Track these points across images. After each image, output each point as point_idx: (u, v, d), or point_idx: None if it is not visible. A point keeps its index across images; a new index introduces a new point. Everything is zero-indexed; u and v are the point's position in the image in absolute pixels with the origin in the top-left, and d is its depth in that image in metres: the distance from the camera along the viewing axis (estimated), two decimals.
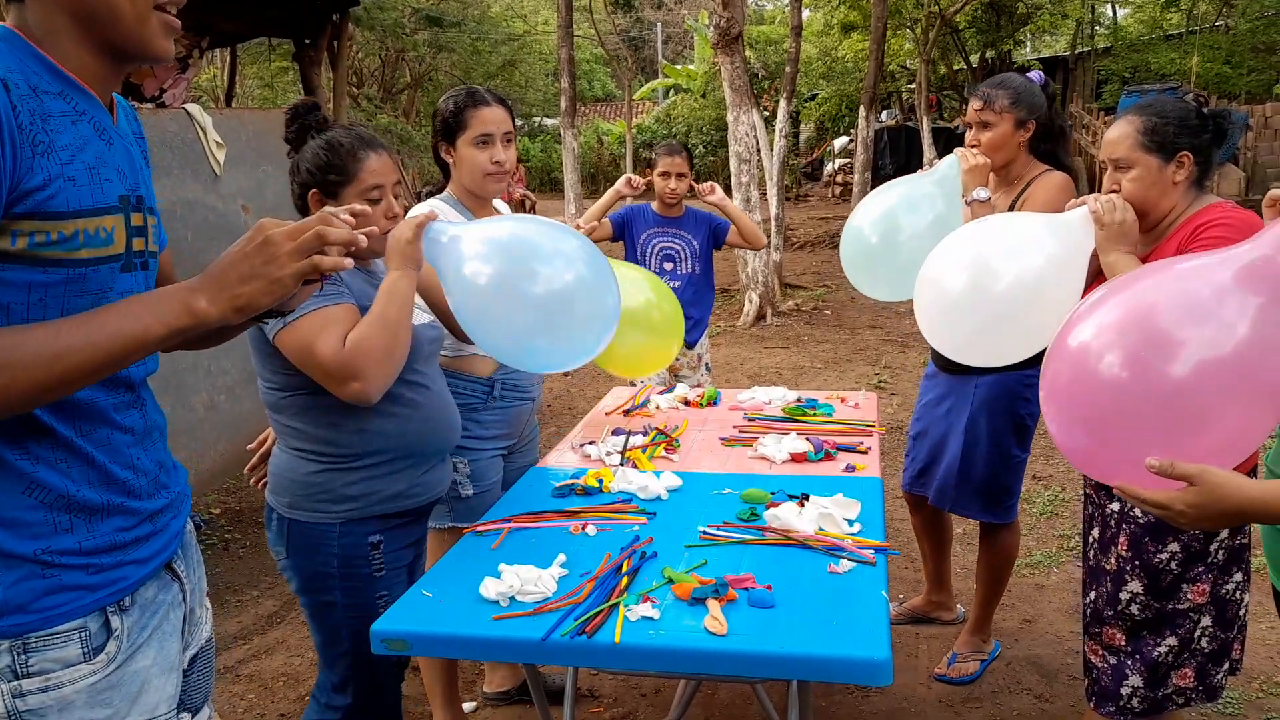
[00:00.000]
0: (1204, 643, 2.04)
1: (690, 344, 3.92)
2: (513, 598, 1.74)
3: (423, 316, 2.10)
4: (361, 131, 1.98)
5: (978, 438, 2.81)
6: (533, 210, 17.21)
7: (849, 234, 2.62)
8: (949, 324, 2.12)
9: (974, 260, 2.05)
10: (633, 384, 3.79)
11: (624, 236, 3.87)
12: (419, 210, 2.21)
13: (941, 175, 2.56)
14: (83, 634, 1.18)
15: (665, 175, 3.76)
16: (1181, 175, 2.02)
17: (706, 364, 4.01)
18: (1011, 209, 2.66)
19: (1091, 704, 2.16)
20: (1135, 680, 2.06)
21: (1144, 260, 1.99)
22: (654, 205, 3.89)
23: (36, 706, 1.16)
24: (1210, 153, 2.04)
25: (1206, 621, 2.03)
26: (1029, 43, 20.52)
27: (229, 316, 1.13)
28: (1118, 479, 1.48)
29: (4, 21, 1.16)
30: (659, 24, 28.78)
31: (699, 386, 3.50)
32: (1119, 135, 2.06)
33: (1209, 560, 1.99)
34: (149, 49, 1.18)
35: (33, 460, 1.15)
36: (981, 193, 2.56)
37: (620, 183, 3.76)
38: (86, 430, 1.20)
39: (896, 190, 2.62)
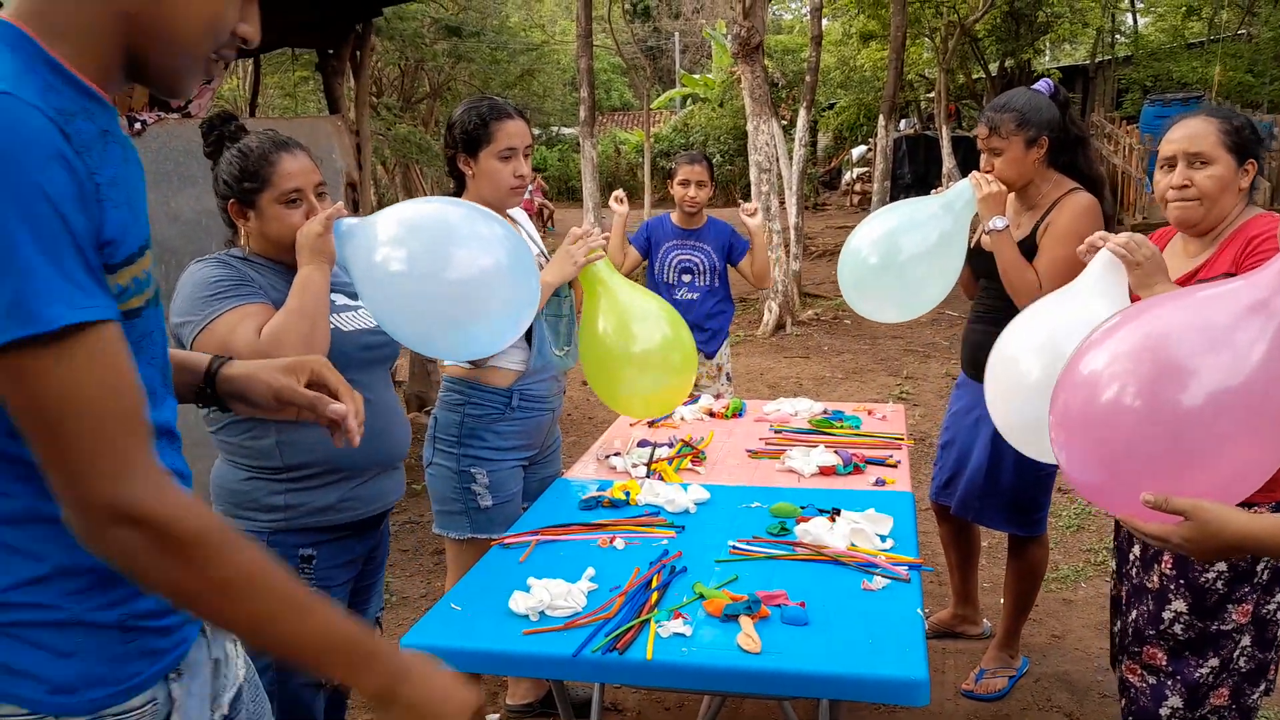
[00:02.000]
0: (1241, 662, 2.00)
1: (709, 354, 3.90)
2: (542, 612, 1.72)
3: (363, 322, 2.06)
4: (275, 134, 1.95)
5: (1003, 448, 2.76)
6: (550, 219, 17.23)
7: (846, 256, 2.54)
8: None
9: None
10: None
11: (646, 251, 3.87)
12: None
13: (949, 200, 2.47)
14: (154, 706, 1.08)
15: (685, 184, 3.74)
16: (1246, 181, 2.02)
17: (728, 374, 3.99)
18: (1034, 233, 2.61)
19: None
20: (1175, 701, 2.02)
21: (1194, 275, 1.99)
22: (673, 216, 3.87)
23: None
24: (1263, 166, 2.06)
25: (1246, 641, 1.99)
26: (1049, 51, 20.41)
27: (374, 699, 1.06)
28: (1122, 511, 1.49)
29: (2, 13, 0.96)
30: (676, 33, 28.81)
31: (720, 397, 3.48)
32: (1201, 130, 2.02)
33: (1254, 580, 1.95)
34: (178, 86, 1.05)
35: None
36: (998, 222, 2.52)
37: (612, 203, 3.74)
38: None
39: (900, 211, 2.54)
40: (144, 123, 3.91)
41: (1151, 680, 2.05)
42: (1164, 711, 2.03)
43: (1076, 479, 1.56)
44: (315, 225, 1.87)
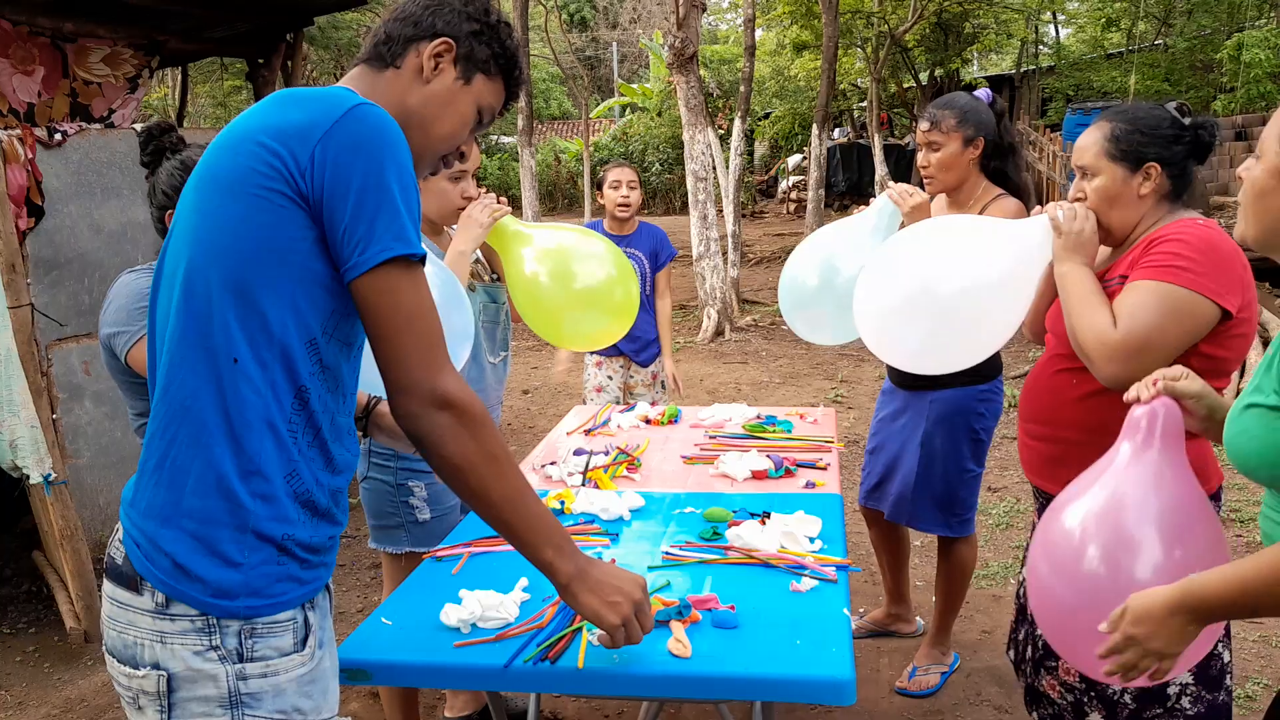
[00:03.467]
0: (1185, 703, 1.89)
1: (644, 364, 3.92)
2: (474, 624, 1.72)
3: None
4: None
5: (933, 452, 2.84)
6: None
7: (784, 285, 2.61)
8: (893, 329, 2.10)
9: (924, 263, 2.01)
10: (598, 399, 3.79)
11: None
12: None
13: (874, 225, 2.53)
14: (294, 625, 1.28)
15: (616, 185, 3.75)
16: (1148, 188, 1.90)
17: (663, 381, 4.01)
18: None
19: None
20: (1095, 717, 1.99)
21: (1101, 276, 1.94)
22: (605, 223, 3.87)
23: (256, 690, 1.24)
24: (1186, 165, 1.92)
25: (1187, 678, 1.89)
26: (976, 61, 20.92)
27: (564, 585, 1.39)
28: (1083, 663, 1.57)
29: (343, 82, 1.40)
30: (614, 43, 28.91)
31: (655, 404, 3.50)
32: (1087, 141, 1.95)
33: None
34: (417, 167, 1.39)
35: (300, 449, 1.27)
36: None
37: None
38: (333, 438, 1.32)
39: (828, 238, 2.60)
40: (64, 133, 3.81)
41: (1070, 698, 2.03)
42: None
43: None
44: None
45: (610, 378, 4.01)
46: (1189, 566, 1.39)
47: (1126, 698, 1.93)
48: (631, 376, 4.00)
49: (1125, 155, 1.91)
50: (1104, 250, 2.05)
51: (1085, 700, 2.00)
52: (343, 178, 1.18)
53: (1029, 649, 2.16)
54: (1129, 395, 1.60)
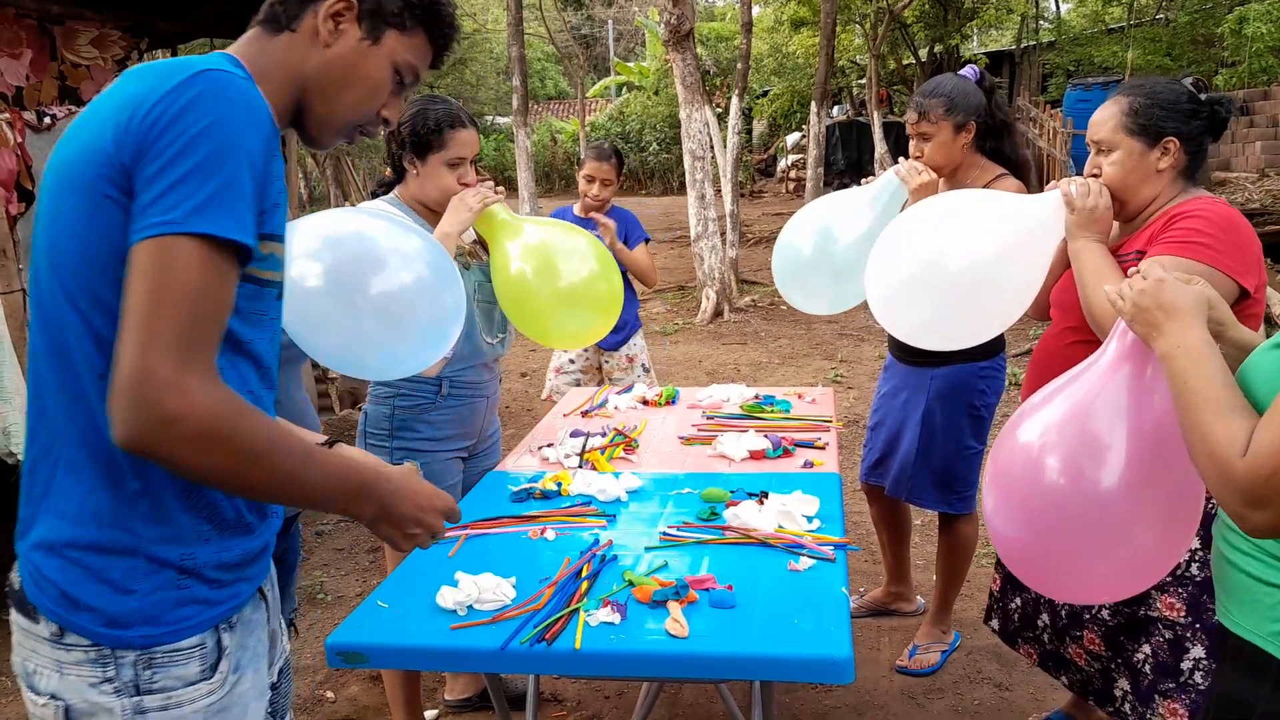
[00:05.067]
0: (1198, 678, 1.92)
1: (610, 347, 3.81)
2: (470, 606, 1.71)
3: None
4: None
5: (934, 428, 2.83)
6: None
7: (779, 252, 2.57)
8: (902, 304, 2.04)
9: (935, 237, 1.96)
10: (599, 383, 3.76)
11: None
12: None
13: (877, 193, 2.49)
14: (202, 651, 1.18)
15: (590, 180, 3.65)
16: (1166, 162, 1.88)
17: (644, 365, 3.91)
18: None
19: (1091, 702, 2.17)
20: (1124, 684, 2.05)
21: (1115, 251, 1.92)
22: (575, 208, 3.78)
23: None
24: (1202, 141, 1.91)
25: (1199, 653, 1.91)
26: (975, 37, 20.78)
27: (369, 523, 1.26)
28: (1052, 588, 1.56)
29: (228, 49, 1.24)
30: (610, 21, 28.70)
31: (652, 386, 3.47)
32: (1104, 116, 1.92)
33: (1178, 572, 1.93)
34: (320, 138, 1.31)
35: None
36: None
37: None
38: None
39: (831, 205, 2.56)
40: (53, 117, 3.78)
41: (1097, 665, 2.08)
42: (1117, 693, 2.06)
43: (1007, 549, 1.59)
44: None
45: (572, 361, 3.91)
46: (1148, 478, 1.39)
47: (1147, 667, 1.98)
48: (607, 360, 3.90)
49: (1144, 129, 1.87)
50: (1115, 225, 2.02)
51: (1113, 667, 2.06)
52: (152, 150, 1.04)
53: (1043, 617, 2.19)
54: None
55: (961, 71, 2.71)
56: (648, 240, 3.80)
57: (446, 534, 1.37)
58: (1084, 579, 1.47)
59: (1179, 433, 1.31)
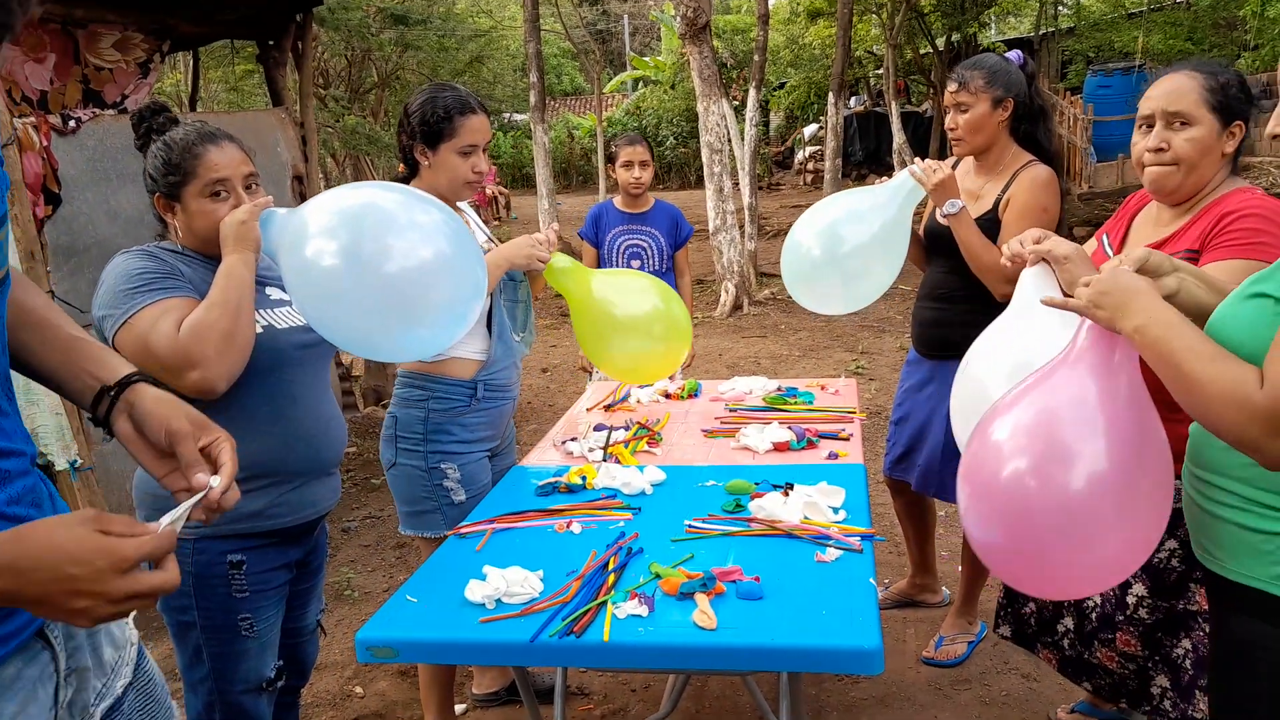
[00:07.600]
0: None
1: None
2: (499, 600, 1.72)
3: (293, 320, 1.97)
4: (203, 126, 1.89)
5: None
6: (506, 206, 17.12)
7: (788, 250, 2.53)
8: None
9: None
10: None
11: (596, 240, 3.82)
12: None
13: (886, 199, 2.41)
14: None
15: (628, 165, 3.71)
16: (1230, 146, 1.85)
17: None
18: (997, 205, 2.62)
19: (1123, 704, 2.15)
20: (1163, 680, 2.02)
21: (1160, 245, 1.85)
22: (617, 201, 3.82)
23: None
24: (1250, 131, 1.88)
25: None
26: (994, 25, 20.59)
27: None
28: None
29: None
30: (625, 16, 28.67)
31: (674, 379, 3.47)
32: (1183, 88, 1.83)
33: None
34: None
35: None
36: (953, 206, 2.52)
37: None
38: None
39: (841, 205, 2.51)
40: (79, 120, 3.82)
41: (1132, 666, 2.05)
42: (1155, 690, 2.03)
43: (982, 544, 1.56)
44: (239, 214, 1.81)
45: None
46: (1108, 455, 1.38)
47: (1187, 662, 1.96)
48: None
49: (1223, 108, 1.83)
50: (1164, 213, 1.97)
51: (1150, 665, 2.02)
52: None
53: (1064, 622, 2.16)
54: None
55: (1006, 54, 2.72)
56: (691, 234, 3.88)
57: (147, 605, 0.99)
58: (1068, 572, 1.45)
59: (1152, 415, 1.37)
